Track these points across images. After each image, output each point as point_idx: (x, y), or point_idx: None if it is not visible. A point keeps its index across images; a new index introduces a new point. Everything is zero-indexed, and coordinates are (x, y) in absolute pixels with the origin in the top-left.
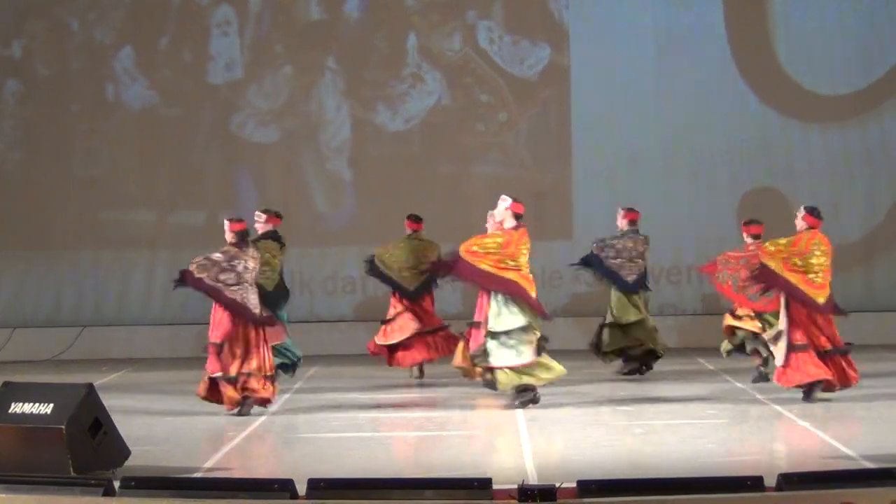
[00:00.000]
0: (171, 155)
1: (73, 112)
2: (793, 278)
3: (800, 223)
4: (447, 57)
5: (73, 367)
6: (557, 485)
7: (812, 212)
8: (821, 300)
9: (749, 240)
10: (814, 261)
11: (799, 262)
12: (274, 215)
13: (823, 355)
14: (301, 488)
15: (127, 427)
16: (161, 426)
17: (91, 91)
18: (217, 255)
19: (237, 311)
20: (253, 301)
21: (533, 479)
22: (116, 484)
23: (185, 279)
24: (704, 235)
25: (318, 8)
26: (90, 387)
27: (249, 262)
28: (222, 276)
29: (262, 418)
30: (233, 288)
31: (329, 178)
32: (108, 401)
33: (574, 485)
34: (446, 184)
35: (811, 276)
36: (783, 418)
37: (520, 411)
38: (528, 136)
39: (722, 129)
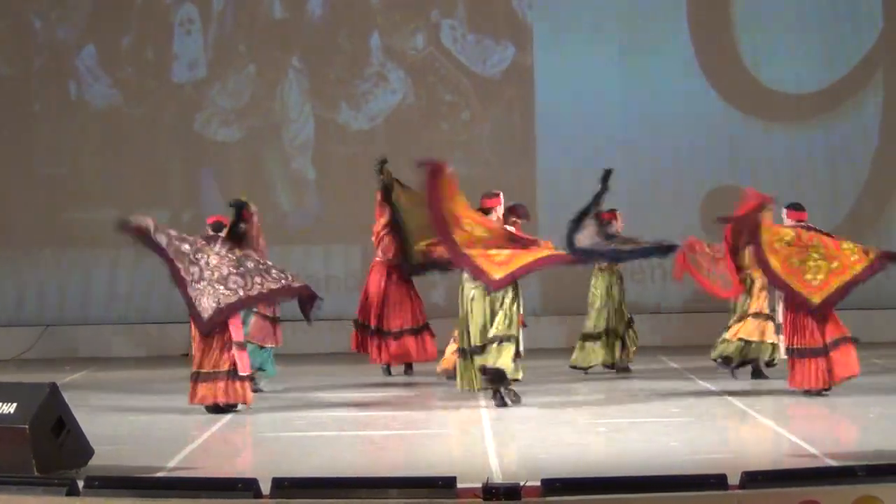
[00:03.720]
0: (134, 154)
1: (36, 111)
2: (790, 280)
3: (787, 222)
4: (410, 56)
5: (36, 367)
6: (522, 483)
7: (795, 207)
8: (816, 300)
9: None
10: (811, 263)
11: (796, 262)
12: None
13: (818, 352)
14: (265, 487)
15: (91, 426)
16: (125, 426)
17: (54, 90)
18: (185, 246)
19: (191, 313)
20: (205, 304)
21: (497, 478)
22: (80, 483)
23: (135, 231)
24: (667, 234)
25: (282, 7)
26: (53, 386)
27: (212, 259)
28: (191, 269)
29: (227, 417)
30: (195, 285)
31: (293, 176)
32: (72, 400)
33: (538, 483)
34: (410, 183)
35: (808, 276)
36: (747, 416)
37: (484, 410)
38: (492, 136)
39: (685, 128)
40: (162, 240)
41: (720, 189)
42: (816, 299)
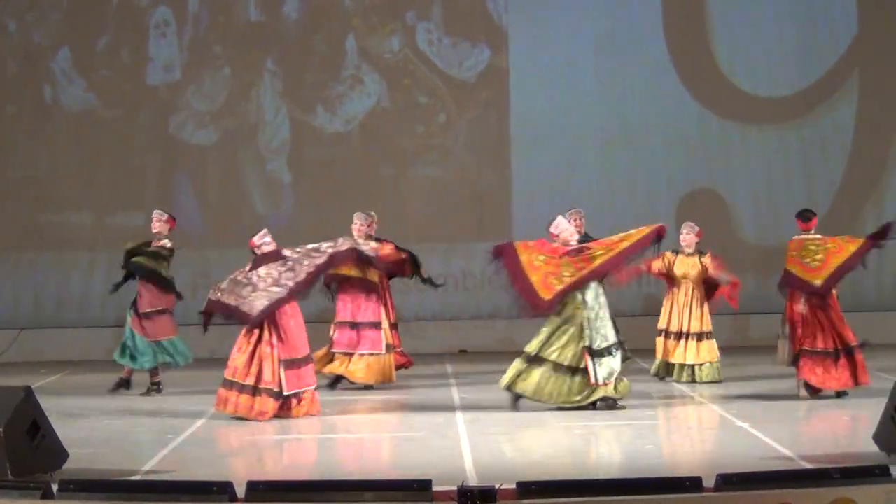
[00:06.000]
0: (109, 157)
1: (11, 114)
2: (790, 267)
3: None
4: (386, 59)
5: (10, 370)
6: (497, 486)
7: (798, 216)
8: (817, 282)
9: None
10: (811, 248)
11: (794, 254)
12: (171, 217)
13: (828, 356)
14: (240, 491)
15: (65, 430)
16: (100, 429)
17: (29, 93)
18: (238, 276)
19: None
20: (257, 305)
21: (473, 481)
22: (55, 487)
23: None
24: None
25: (257, 10)
26: (28, 389)
27: (261, 270)
28: (243, 292)
29: (201, 421)
30: (250, 293)
31: (268, 179)
32: (47, 403)
33: (514, 486)
34: (385, 185)
35: (807, 260)
36: (722, 419)
37: (459, 413)
38: (468, 138)
39: (661, 131)
40: (227, 298)
41: (696, 191)
42: (818, 280)
